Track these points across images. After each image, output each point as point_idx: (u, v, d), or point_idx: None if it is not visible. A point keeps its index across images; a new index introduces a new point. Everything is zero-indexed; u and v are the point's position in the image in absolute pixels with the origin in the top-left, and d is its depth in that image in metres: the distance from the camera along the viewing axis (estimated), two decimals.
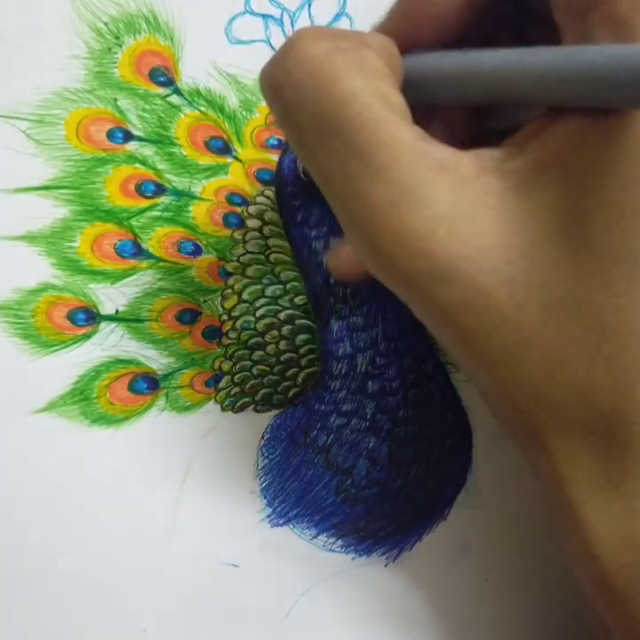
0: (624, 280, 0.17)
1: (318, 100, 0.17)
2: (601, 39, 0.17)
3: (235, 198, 0.27)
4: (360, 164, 0.17)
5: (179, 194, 0.27)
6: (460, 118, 0.23)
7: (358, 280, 0.24)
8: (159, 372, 0.27)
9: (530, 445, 0.19)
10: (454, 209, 0.17)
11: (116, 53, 0.26)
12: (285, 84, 0.18)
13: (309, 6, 0.27)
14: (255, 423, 0.28)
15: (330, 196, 0.19)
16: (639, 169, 0.17)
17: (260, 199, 0.27)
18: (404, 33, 0.21)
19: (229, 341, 0.27)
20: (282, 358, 0.28)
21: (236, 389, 0.27)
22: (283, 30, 0.27)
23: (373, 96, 0.17)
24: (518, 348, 0.18)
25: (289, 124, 0.19)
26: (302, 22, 0.27)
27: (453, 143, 0.19)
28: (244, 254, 0.27)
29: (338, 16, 0.27)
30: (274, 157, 0.27)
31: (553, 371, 0.18)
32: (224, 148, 0.27)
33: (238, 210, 0.27)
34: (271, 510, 0.27)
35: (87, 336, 0.27)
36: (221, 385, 0.27)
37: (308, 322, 0.28)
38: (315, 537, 0.28)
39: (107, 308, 0.27)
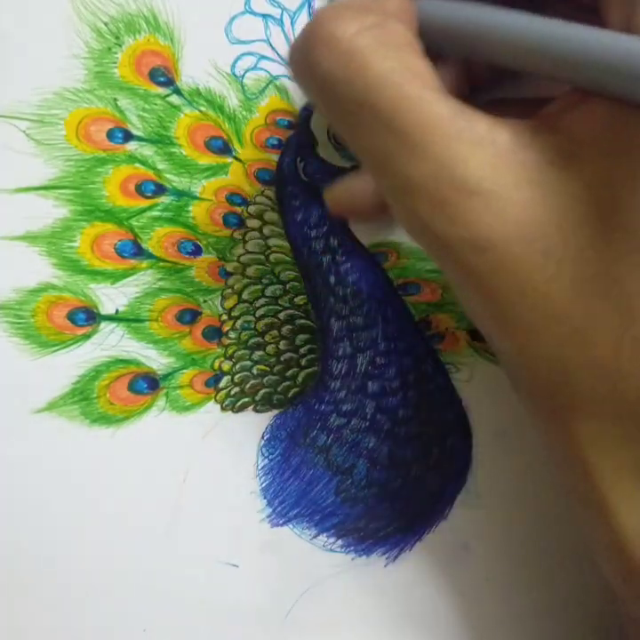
0: None
1: (351, 87, 0.18)
2: None
3: (235, 198, 0.27)
4: (398, 143, 0.18)
5: (179, 194, 0.27)
6: (460, 74, 0.23)
7: (350, 215, 0.25)
8: (159, 372, 0.27)
9: (553, 425, 0.19)
10: (492, 182, 0.17)
11: (115, 53, 0.26)
12: (316, 71, 0.18)
13: (309, 6, 0.27)
14: (255, 423, 0.28)
15: (370, 168, 0.19)
16: None
17: (259, 199, 0.27)
18: None
19: (229, 341, 0.27)
20: (282, 358, 0.28)
21: (236, 389, 0.27)
22: (283, 30, 0.27)
23: (403, 74, 0.18)
24: (546, 319, 0.18)
25: (325, 106, 0.19)
26: (302, 22, 0.27)
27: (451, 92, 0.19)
28: (244, 254, 0.27)
29: None
30: (274, 157, 0.27)
31: (580, 348, 0.18)
32: (224, 148, 0.27)
33: (238, 210, 0.27)
34: (271, 510, 0.27)
35: (87, 336, 0.27)
36: (221, 385, 0.27)
37: (308, 322, 0.28)
38: (315, 537, 0.28)
39: (107, 308, 0.27)
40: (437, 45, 0.21)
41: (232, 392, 0.27)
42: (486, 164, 0.17)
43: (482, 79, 0.23)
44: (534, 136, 0.18)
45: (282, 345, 0.28)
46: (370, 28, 0.18)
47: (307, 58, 0.18)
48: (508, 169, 0.17)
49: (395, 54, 0.18)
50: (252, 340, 0.27)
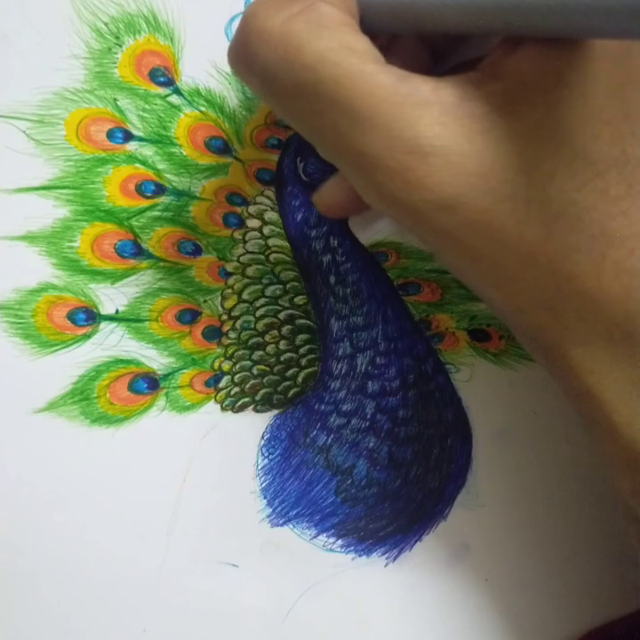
0: (623, 183, 0.18)
1: (290, 72, 0.18)
2: None
3: (235, 198, 0.27)
4: (347, 119, 0.18)
5: (179, 194, 0.27)
6: (419, 50, 0.23)
7: (341, 213, 0.25)
8: (159, 372, 0.27)
9: (553, 360, 0.20)
10: (445, 140, 0.18)
11: (116, 53, 0.26)
12: (253, 64, 0.18)
13: None
14: (255, 423, 0.28)
15: (326, 152, 0.19)
16: (617, 74, 0.17)
17: (259, 199, 0.27)
18: None
19: (229, 341, 0.27)
20: (282, 358, 0.28)
21: (236, 389, 0.27)
22: None
23: (339, 51, 0.18)
24: (524, 262, 0.18)
25: (269, 99, 0.19)
26: None
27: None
28: (244, 254, 0.27)
29: None
30: (274, 157, 0.27)
31: (562, 283, 0.18)
32: (224, 148, 0.27)
33: (238, 210, 0.27)
34: (271, 510, 0.27)
35: (87, 336, 0.27)
36: (221, 385, 0.27)
37: (308, 322, 0.28)
38: (315, 537, 0.28)
39: (107, 308, 0.27)
40: (383, 24, 0.21)
41: (232, 392, 0.27)
42: (435, 123, 0.18)
43: (441, 49, 0.23)
44: (478, 87, 0.18)
45: (282, 345, 0.28)
46: (299, 14, 0.18)
47: (243, 53, 0.19)
48: (458, 123, 0.18)
49: (328, 34, 0.18)
50: (252, 340, 0.27)
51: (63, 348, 0.26)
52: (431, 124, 0.17)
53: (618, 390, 0.19)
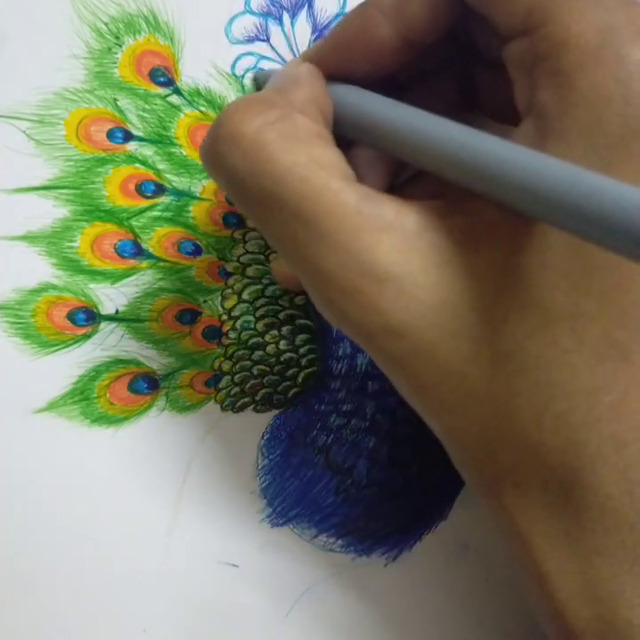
0: (574, 336, 0.17)
1: (257, 180, 0.18)
2: (544, 91, 0.17)
3: None
4: (307, 233, 0.18)
5: (179, 194, 0.27)
6: (383, 157, 0.23)
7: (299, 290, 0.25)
8: (159, 372, 0.27)
9: (487, 497, 0.19)
10: (402, 268, 0.17)
11: (116, 53, 0.26)
12: (223, 166, 0.19)
13: (309, 6, 0.27)
14: (255, 423, 0.28)
15: (284, 257, 0.19)
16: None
17: None
18: (337, 62, 0.21)
19: (229, 341, 0.27)
20: (282, 358, 0.28)
21: (236, 389, 0.27)
22: (283, 30, 0.27)
23: (308, 165, 0.18)
24: (466, 399, 0.18)
25: (235, 199, 0.19)
26: (302, 22, 0.27)
27: (378, 177, 0.20)
28: (244, 254, 0.27)
29: (338, 16, 0.27)
30: None
31: (502, 424, 0.18)
32: None
33: (238, 210, 0.27)
34: (271, 510, 0.27)
35: (87, 336, 0.27)
36: (221, 385, 0.27)
37: (308, 322, 0.28)
38: (315, 537, 0.28)
39: (107, 308, 0.27)
40: (352, 133, 0.21)
41: (232, 392, 0.27)
42: (394, 249, 0.17)
43: None
44: (441, 218, 0.18)
45: (282, 345, 0.28)
46: (274, 123, 0.18)
47: (214, 153, 0.19)
48: (416, 253, 0.18)
49: (299, 147, 0.18)
50: (252, 340, 0.27)
51: (63, 348, 0.26)
52: (389, 251, 0.17)
53: (550, 540, 0.18)
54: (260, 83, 0.26)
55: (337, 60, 0.21)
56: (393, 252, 0.17)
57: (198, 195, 0.27)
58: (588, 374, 0.17)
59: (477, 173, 0.17)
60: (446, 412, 0.19)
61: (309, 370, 0.28)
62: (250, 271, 0.27)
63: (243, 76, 0.26)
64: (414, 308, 0.18)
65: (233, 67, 0.26)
